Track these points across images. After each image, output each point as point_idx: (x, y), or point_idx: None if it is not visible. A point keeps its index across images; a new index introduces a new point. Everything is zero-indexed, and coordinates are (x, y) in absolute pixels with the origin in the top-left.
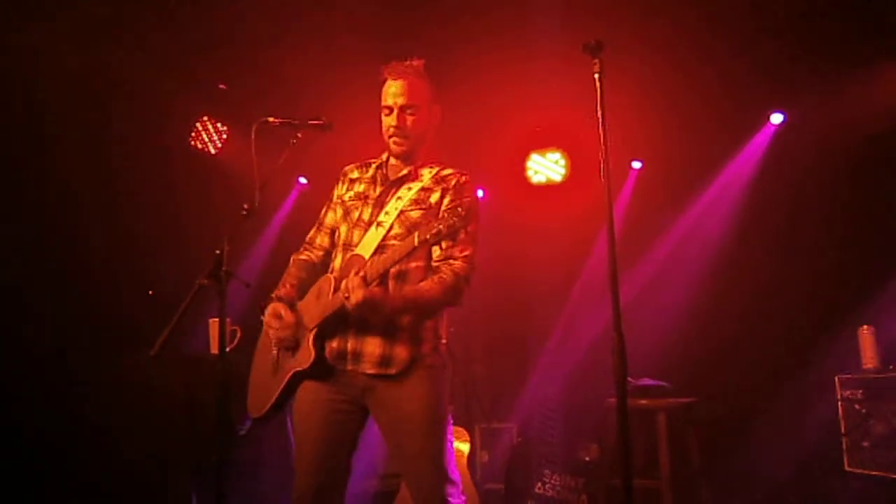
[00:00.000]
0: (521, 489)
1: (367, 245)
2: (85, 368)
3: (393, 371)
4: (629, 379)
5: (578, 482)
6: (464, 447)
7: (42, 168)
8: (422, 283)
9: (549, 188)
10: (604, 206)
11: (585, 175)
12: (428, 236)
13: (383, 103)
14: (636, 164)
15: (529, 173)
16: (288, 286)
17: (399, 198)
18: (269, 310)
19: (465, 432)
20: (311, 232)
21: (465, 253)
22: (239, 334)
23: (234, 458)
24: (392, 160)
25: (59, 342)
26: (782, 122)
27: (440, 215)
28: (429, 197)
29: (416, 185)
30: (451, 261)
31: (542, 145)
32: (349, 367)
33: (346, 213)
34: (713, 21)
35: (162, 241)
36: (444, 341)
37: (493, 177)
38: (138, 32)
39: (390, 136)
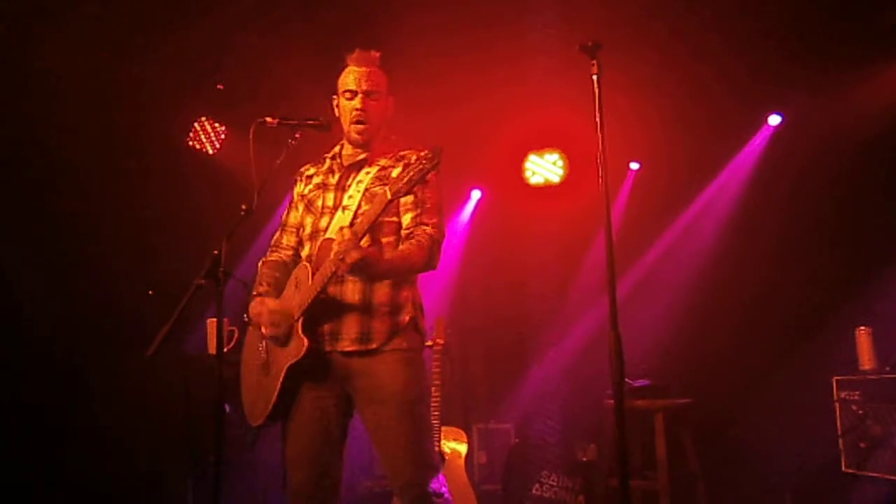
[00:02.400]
0: (519, 490)
1: (336, 228)
2: (84, 368)
3: (374, 345)
4: (626, 380)
5: (576, 483)
6: (461, 448)
7: (39, 168)
8: (401, 247)
9: (546, 189)
10: (602, 207)
11: (583, 176)
12: (400, 185)
13: (345, 88)
14: (634, 165)
15: (527, 174)
16: (265, 284)
17: (360, 181)
18: (253, 304)
19: (462, 433)
20: (276, 235)
21: (434, 220)
22: (237, 334)
23: (229, 456)
24: (347, 149)
25: (58, 342)
26: (780, 124)
27: (405, 170)
28: (390, 173)
29: (373, 169)
30: (423, 226)
31: (540, 146)
32: (327, 348)
33: (310, 204)
34: (711, 22)
35: (160, 241)
36: (422, 313)
37: (491, 177)
38: (137, 34)
39: (354, 122)
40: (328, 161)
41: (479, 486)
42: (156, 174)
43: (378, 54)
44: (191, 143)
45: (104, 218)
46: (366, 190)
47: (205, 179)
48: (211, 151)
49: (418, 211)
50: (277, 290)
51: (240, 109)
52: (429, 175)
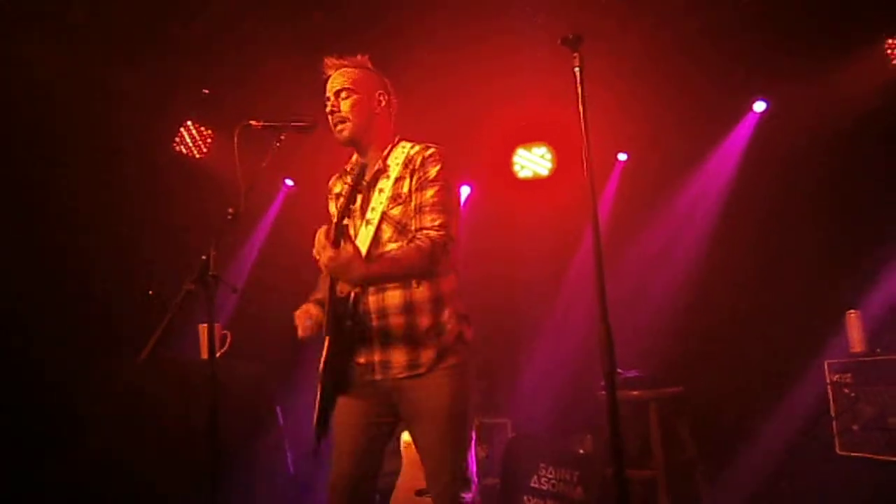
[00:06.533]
0: (517, 483)
1: (360, 245)
2: (74, 374)
3: (422, 370)
4: (619, 370)
5: (574, 474)
6: None
7: (24, 174)
8: (396, 249)
9: (535, 182)
10: (589, 199)
11: (572, 168)
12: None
13: (326, 97)
14: (622, 157)
15: (516, 168)
16: (319, 293)
17: (381, 190)
18: (300, 310)
19: None
20: None
21: (437, 221)
22: (230, 339)
23: (228, 468)
24: (363, 159)
25: (48, 348)
26: (765, 110)
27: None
28: (402, 187)
29: (391, 177)
30: (425, 230)
31: (528, 140)
32: (378, 378)
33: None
34: (694, 11)
35: (148, 246)
36: (467, 323)
37: (480, 172)
38: (122, 38)
39: (333, 124)
40: (349, 178)
41: (480, 480)
42: (143, 179)
43: (364, 58)
44: (177, 147)
45: (91, 224)
46: (384, 213)
47: (192, 184)
48: (197, 156)
49: (419, 215)
50: None
51: (226, 113)
52: (435, 172)
